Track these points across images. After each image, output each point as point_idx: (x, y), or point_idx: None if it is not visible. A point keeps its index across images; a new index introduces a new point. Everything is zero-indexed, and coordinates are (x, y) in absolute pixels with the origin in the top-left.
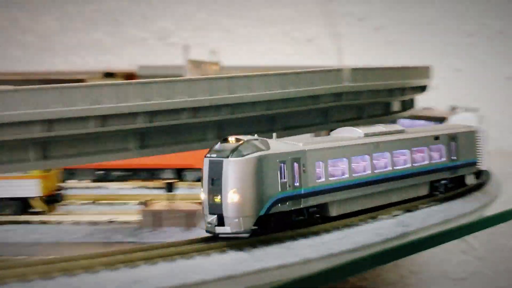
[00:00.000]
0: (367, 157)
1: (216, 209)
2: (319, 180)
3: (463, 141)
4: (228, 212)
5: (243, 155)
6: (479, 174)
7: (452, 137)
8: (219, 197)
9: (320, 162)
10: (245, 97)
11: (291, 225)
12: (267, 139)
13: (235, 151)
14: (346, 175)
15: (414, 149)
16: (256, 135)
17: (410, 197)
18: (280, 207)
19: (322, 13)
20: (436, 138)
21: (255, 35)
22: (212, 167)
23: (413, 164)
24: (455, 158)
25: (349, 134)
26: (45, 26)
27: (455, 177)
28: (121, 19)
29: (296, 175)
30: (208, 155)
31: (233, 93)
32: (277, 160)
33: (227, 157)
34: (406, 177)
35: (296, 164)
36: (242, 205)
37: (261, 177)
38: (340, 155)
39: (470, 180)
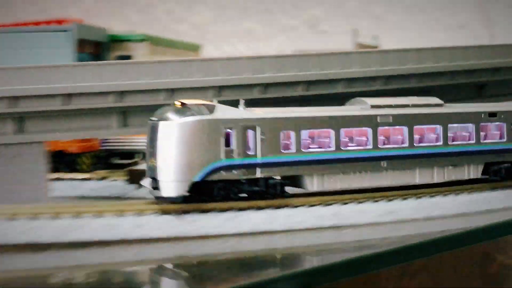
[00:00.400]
0: (366, 130)
1: (152, 173)
2: (287, 151)
3: None
4: (161, 176)
5: (177, 119)
6: None
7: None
8: (154, 160)
9: (289, 132)
10: (397, 70)
11: (257, 195)
12: (221, 105)
13: (171, 114)
14: (332, 148)
15: (453, 125)
16: (215, 100)
17: (448, 179)
18: (224, 175)
19: None
20: (492, 115)
21: (406, 22)
22: (150, 130)
23: (450, 143)
24: None
25: (354, 105)
26: (200, 16)
27: None
28: (272, 8)
29: (251, 144)
30: (150, 118)
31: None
32: (221, 126)
33: (163, 120)
34: (435, 156)
35: (251, 132)
36: (174, 169)
37: (198, 142)
38: (321, 126)
39: None
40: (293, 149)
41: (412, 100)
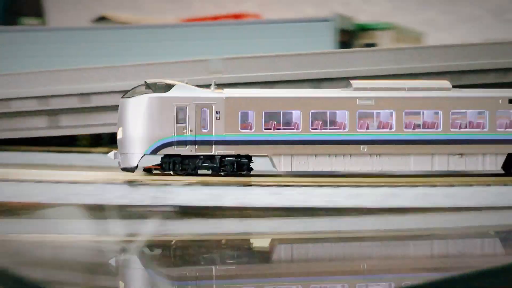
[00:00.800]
0: (342, 112)
1: (118, 145)
2: (245, 130)
3: None
4: (119, 149)
5: (132, 96)
6: None
7: None
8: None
9: (248, 112)
10: None
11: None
12: (184, 85)
13: (130, 93)
14: (299, 130)
15: (458, 111)
16: (186, 81)
17: (454, 170)
18: (177, 150)
19: None
20: None
21: None
22: (119, 107)
23: (453, 129)
24: None
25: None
26: (379, 6)
27: None
28: None
29: (207, 122)
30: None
31: None
32: (173, 104)
33: (123, 98)
34: (434, 143)
35: (206, 110)
36: (128, 143)
37: (149, 118)
38: (286, 107)
39: None
40: (253, 128)
41: (412, 84)
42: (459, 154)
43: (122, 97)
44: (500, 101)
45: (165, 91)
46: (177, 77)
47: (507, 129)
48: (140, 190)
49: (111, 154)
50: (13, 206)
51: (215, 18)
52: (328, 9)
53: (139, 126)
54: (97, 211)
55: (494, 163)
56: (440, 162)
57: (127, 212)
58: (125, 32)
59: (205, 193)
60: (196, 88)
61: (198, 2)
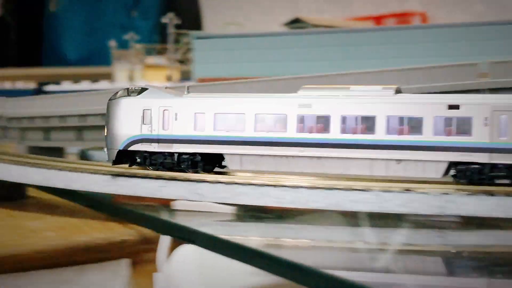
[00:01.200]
0: (283, 116)
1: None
2: (197, 130)
3: None
4: (104, 145)
5: (112, 99)
6: None
7: (500, 109)
8: None
9: (201, 114)
10: None
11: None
12: (156, 89)
13: (113, 96)
14: (246, 132)
15: (397, 116)
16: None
17: (394, 175)
18: (142, 146)
19: None
20: (453, 107)
21: None
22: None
23: (391, 135)
24: (504, 138)
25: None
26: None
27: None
28: None
29: (166, 122)
30: None
31: None
32: (141, 106)
33: (109, 100)
34: (372, 148)
35: (166, 112)
36: (108, 139)
37: (123, 118)
38: (234, 111)
39: None
40: (204, 129)
41: (355, 88)
42: (396, 160)
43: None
44: (439, 107)
45: (137, 95)
46: (441, 82)
47: (447, 136)
48: (422, 199)
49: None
50: (280, 210)
51: (379, 17)
52: (500, 7)
53: (116, 125)
54: (376, 219)
55: (435, 171)
56: (379, 167)
57: (406, 220)
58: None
59: (491, 203)
60: (165, 92)
61: (358, 1)
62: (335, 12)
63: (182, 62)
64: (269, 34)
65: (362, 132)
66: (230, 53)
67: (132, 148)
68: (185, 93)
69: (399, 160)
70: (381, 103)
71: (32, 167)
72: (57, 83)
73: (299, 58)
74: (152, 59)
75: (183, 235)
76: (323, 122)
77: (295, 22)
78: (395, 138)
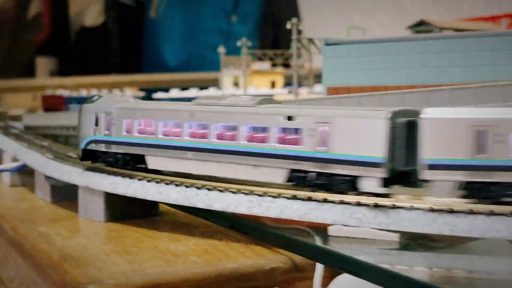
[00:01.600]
0: (178, 122)
1: None
2: (125, 133)
3: (348, 129)
4: None
5: (81, 105)
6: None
7: (322, 121)
8: None
9: (128, 120)
10: None
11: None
12: (108, 97)
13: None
14: (159, 136)
15: (245, 126)
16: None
17: (254, 179)
18: (95, 147)
19: None
20: (290, 118)
21: None
22: None
23: (243, 142)
24: (324, 148)
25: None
26: None
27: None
28: None
29: (108, 126)
30: None
31: None
32: (93, 112)
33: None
34: (231, 153)
35: (108, 117)
36: (78, 140)
37: (84, 122)
38: (147, 117)
39: (370, 186)
40: (130, 132)
41: (228, 98)
42: (252, 165)
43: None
44: (279, 118)
45: (92, 102)
46: None
47: (282, 145)
48: None
49: None
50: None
51: (491, 18)
52: None
53: (80, 128)
54: None
55: (278, 176)
56: (242, 172)
57: None
58: None
59: None
60: (113, 100)
61: (467, 1)
62: (443, 13)
63: (286, 66)
64: (406, 39)
65: (229, 139)
66: (362, 60)
67: (89, 147)
68: (131, 100)
69: (255, 166)
70: (243, 113)
71: (170, 185)
72: (166, 90)
73: (438, 65)
74: (257, 65)
75: (341, 264)
76: (204, 130)
77: (420, 25)
78: (250, 146)
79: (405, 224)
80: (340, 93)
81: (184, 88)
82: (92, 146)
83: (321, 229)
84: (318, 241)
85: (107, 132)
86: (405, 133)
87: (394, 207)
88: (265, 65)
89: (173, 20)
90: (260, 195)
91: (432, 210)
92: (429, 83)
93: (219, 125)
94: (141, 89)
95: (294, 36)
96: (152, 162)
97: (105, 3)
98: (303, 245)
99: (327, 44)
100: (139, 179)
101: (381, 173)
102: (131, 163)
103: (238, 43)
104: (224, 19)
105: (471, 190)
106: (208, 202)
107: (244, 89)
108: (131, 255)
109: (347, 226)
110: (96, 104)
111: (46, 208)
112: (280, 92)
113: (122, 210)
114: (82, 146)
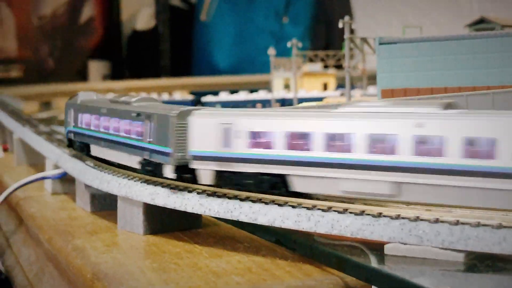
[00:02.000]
0: (98, 117)
1: None
2: (79, 125)
3: (157, 124)
4: None
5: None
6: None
7: (149, 117)
8: None
9: (81, 114)
10: None
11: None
12: (85, 94)
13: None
14: (95, 128)
15: (122, 120)
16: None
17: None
18: (72, 137)
19: None
20: (138, 114)
21: None
22: None
23: (123, 134)
24: (151, 140)
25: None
26: None
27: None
28: None
29: (76, 119)
30: None
31: None
32: (71, 107)
33: None
34: (118, 144)
35: (75, 112)
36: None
37: (66, 115)
38: (89, 112)
39: (168, 172)
40: (79, 125)
41: (134, 97)
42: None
43: None
44: (133, 114)
45: (71, 99)
46: None
47: (137, 137)
48: None
49: None
50: None
51: None
52: None
53: (65, 120)
54: None
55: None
56: (131, 159)
57: None
58: None
59: None
60: (85, 97)
61: None
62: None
63: (338, 68)
64: (468, 37)
65: (118, 132)
66: (420, 59)
67: (69, 137)
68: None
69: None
70: (119, 110)
71: (211, 196)
72: (216, 93)
73: (501, 65)
74: (308, 66)
75: (397, 287)
76: (110, 123)
77: (480, 23)
78: (124, 137)
79: (472, 243)
80: (396, 95)
81: (233, 91)
82: (71, 136)
83: (376, 246)
84: (373, 261)
85: (74, 124)
86: (184, 129)
87: (457, 223)
88: (317, 66)
89: (224, 23)
90: (308, 208)
91: (501, 226)
92: (492, 84)
93: (117, 120)
94: (191, 93)
95: (346, 35)
96: (95, 150)
97: (156, 6)
98: (356, 265)
99: (382, 43)
100: (180, 189)
101: (171, 162)
102: (85, 150)
103: (288, 44)
104: (275, 20)
105: (224, 179)
106: (252, 216)
107: (294, 91)
108: (168, 273)
109: (405, 244)
110: (73, 101)
111: (85, 219)
112: (333, 95)
113: (163, 222)
114: (67, 136)
